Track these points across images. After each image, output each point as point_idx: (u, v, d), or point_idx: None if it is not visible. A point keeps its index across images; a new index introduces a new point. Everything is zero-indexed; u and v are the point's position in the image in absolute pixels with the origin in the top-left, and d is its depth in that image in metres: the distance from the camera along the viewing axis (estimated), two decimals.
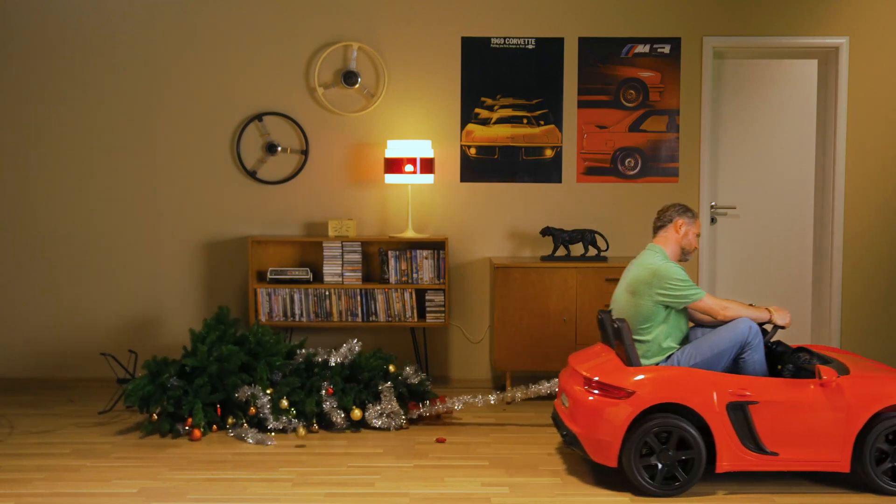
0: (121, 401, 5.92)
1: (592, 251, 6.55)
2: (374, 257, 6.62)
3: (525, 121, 6.70)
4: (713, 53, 6.71)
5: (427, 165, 6.39)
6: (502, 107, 6.69)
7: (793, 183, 6.96)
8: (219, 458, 5.07)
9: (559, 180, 6.72)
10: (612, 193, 6.74)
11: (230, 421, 5.51)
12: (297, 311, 6.44)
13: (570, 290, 6.25)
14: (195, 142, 6.67)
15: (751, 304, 5.01)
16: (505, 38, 6.67)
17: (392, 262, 6.48)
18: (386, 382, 5.67)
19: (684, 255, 5.05)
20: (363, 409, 5.62)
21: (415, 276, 6.50)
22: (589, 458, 4.66)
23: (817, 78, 6.87)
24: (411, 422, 5.70)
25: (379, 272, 6.57)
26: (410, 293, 6.46)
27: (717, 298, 4.87)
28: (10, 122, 6.64)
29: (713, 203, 6.91)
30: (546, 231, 6.42)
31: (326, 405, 5.55)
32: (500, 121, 6.70)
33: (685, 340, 4.92)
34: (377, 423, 5.58)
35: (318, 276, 6.58)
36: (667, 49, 6.68)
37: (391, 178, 6.42)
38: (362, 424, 5.61)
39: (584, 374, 4.69)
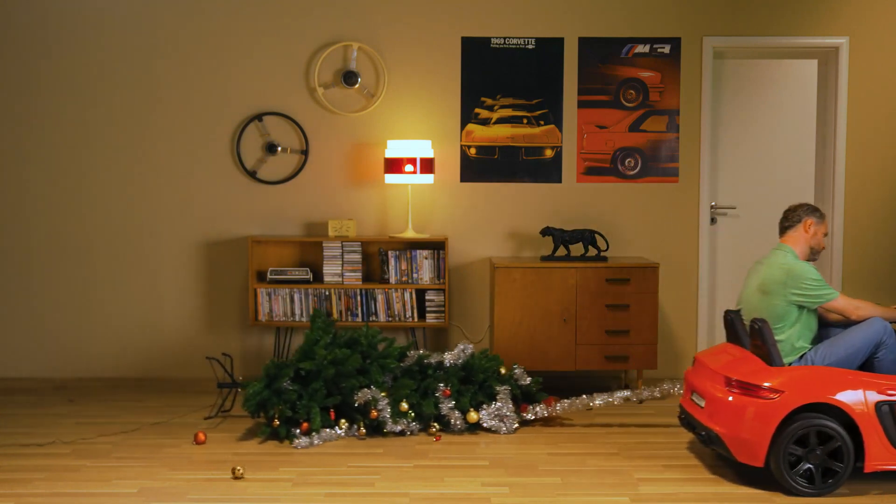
0: (224, 405, 5.87)
1: (592, 251, 6.55)
2: (374, 257, 6.62)
3: (525, 121, 6.70)
4: (713, 53, 6.71)
5: (427, 165, 6.39)
6: (502, 107, 6.69)
7: (793, 183, 6.96)
8: (219, 458, 5.07)
9: (559, 180, 6.72)
10: (612, 193, 6.74)
11: (342, 424, 5.42)
12: (297, 311, 6.44)
13: (570, 290, 6.25)
14: (195, 142, 6.67)
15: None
16: (505, 38, 6.67)
17: (392, 262, 6.48)
18: (500, 384, 5.64)
19: (813, 255, 5.06)
20: (478, 410, 5.57)
21: (415, 276, 6.50)
22: (732, 457, 4.65)
23: (817, 78, 6.87)
24: (523, 423, 5.67)
25: (379, 272, 6.57)
26: (410, 293, 6.45)
27: (850, 298, 4.90)
28: (9, 122, 6.64)
29: (713, 203, 6.91)
30: (546, 231, 6.42)
31: (444, 407, 5.52)
32: (500, 121, 6.70)
33: (816, 340, 4.94)
34: (491, 424, 5.54)
35: (318, 276, 6.58)
36: (667, 49, 6.68)
37: (391, 178, 6.42)
38: (476, 426, 5.57)
39: (726, 374, 4.70)
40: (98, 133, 6.66)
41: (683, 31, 6.68)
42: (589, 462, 5.04)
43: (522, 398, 5.74)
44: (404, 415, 5.46)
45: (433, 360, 5.73)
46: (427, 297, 6.49)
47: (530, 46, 6.67)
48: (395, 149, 6.39)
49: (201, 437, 5.32)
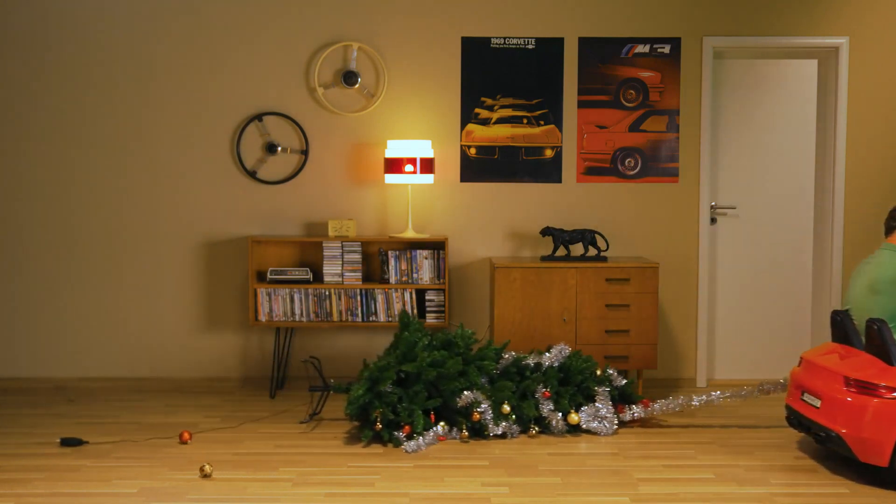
0: (317, 408, 5.85)
1: (592, 251, 6.56)
2: (374, 257, 6.62)
3: (525, 121, 6.70)
4: (713, 53, 6.71)
5: (427, 165, 6.39)
6: (502, 107, 6.69)
7: (793, 183, 6.96)
8: (219, 458, 5.07)
9: (559, 180, 6.72)
10: (612, 193, 6.74)
11: (443, 426, 5.40)
12: (297, 311, 6.44)
13: (570, 290, 6.25)
14: (195, 142, 6.67)
15: None
16: (505, 38, 6.67)
17: (392, 262, 6.48)
18: (599, 385, 5.64)
19: None
20: (577, 412, 5.57)
21: (415, 276, 6.50)
22: (854, 457, 4.64)
23: (817, 78, 6.87)
24: (621, 424, 5.66)
25: (379, 272, 6.57)
26: (410, 293, 6.45)
27: None
28: (8, 122, 6.64)
29: (713, 203, 6.91)
30: (546, 231, 6.42)
31: (544, 409, 5.51)
32: (500, 121, 6.70)
33: None
34: (591, 426, 5.53)
35: (318, 276, 6.58)
36: (667, 49, 6.68)
37: (391, 178, 6.42)
38: (575, 428, 5.56)
39: (845, 374, 4.70)
40: (98, 133, 6.65)
41: (683, 31, 6.68)
42: (589, 462, 5.04)
43: (618, 399, 5.73)
44: (506, 417, 5.43)
45: (530, 361, 5.71)
46: (427, 297, 6.49)
47: (530, 46, 6.67)
48: (395, 149, 6.39)
49: (186, 436, 5.34)
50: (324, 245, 6.47)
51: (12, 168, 6.66)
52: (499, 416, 5.44)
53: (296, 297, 6.44)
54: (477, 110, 6.69)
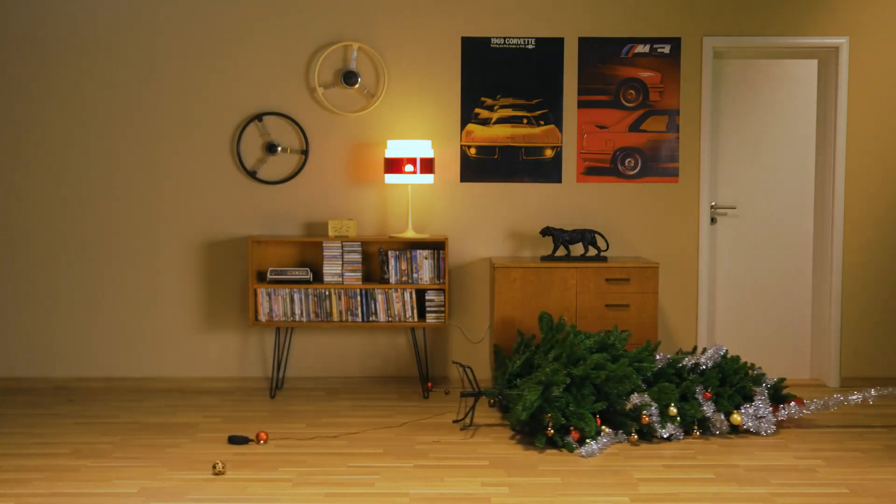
0: (472, 411, 5.79)
1: (592, 251, 6.55)
2: (374, 257, 6.62)
3: (525, 121, 6.70)
4: (713, 53, 6.71)
5: (427, 165, 6.39)
6: (502, 107, 6.69)
7: (793, 183, 6.96)
8: (219, 458, 5.07)
9: (559, 180, 6.72)
10: (612, 193, 6.74)
11: (605, 430, 5.34)
12: (297, 311, 6.44)
13: (570, 290, 6.25)
14: (195, 142, 6.67)
15: None
16: (505, 38, 6.67)
17: (392, 262, 6.47)
18: (757, 385, 5.62)
19: None
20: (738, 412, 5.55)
21: (415, 276, 6.50)
22: None
23: (817, 78, 6.87)
24: (777, 424, 5.63)
25: (379, 272, 6.57)
26: (410, 293, 6.45)
27: None
28: (7, 122, 6.64)
29: (713, 203, 6.91)
30: (546, 231, 6.42)
31: (707, 410, 5.48)
32: (500, 121, 6.70)
33: None
34: (750, 426, 5.51)
35: (318, 276, 6.58)
36: (667, 49, 6.68)
37: (391, 178, 6.42)
38: (735, 429, 5.54)
39: None
40: (98, 133, 6.65)
41: (683, 31, 6.68)
42: (589, 462, 5.04)
43: (772, 399, 5.71)
44: (672, 419, 5.40)
45: (687, 362, 5.69)
46: (427, 297, 6.49)
47: (530, 46, 6.67)
48: (395, 149, 6.39)
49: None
50: (324, 245, 6.47)
51: (12, 168, 6.66)
52: (665, 419, 5.41)
53: (296, 297, 6.44)
54: (477, 110, 6.69)
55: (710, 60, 6.67)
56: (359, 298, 6.45)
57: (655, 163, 6.72)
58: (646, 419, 5.34)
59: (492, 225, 6.73)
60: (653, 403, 5.40)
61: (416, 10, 6.64)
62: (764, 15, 6.66)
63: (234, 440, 5.32)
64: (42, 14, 6.59)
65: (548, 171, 6.72)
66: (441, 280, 6.49)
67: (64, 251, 6.69)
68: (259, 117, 6.65)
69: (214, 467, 4.78)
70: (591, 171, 6.73)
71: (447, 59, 6.67)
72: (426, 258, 6.49)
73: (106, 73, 6.63)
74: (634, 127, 6.70)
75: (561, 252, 6.67)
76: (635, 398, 5.39)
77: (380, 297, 6.45)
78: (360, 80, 6.65)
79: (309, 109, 6.67)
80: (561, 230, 6.42)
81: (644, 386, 5.56)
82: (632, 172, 6.72)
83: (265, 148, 6.68)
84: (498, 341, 6.24)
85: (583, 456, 5.12)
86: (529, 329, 6.22)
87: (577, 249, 6.63)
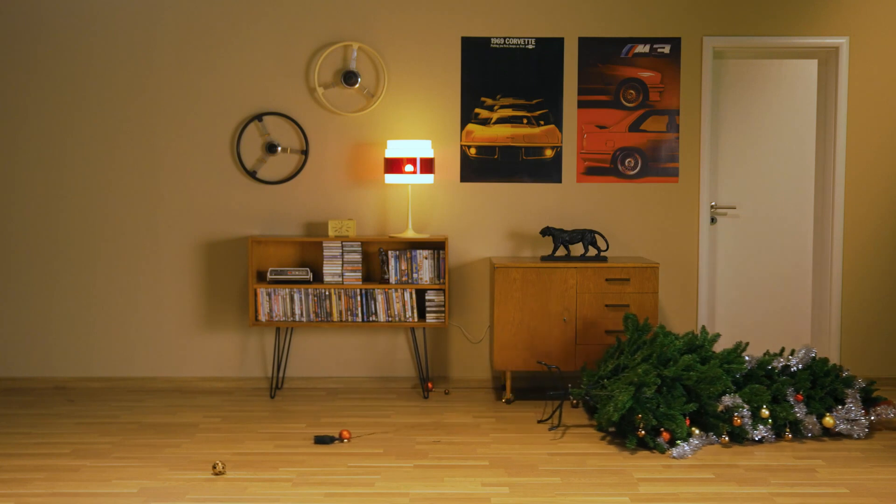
0: (556, 413, 5.80)
1: (592, 251, 6.55)
2: (374, 257, 6.62)
3: (525, 121, 6.70)
4: (713, 53, 6.71)
5: (427, 165, 6.39)
6: (502, 107, 6.69)
7: (793, 183, 6.96)
8: (219, 458, 5.07)
9: (559, 180, 6.72)
10: (612, 193, 6.74)
11: (696, 432, 5.31)
12: (297, 311, 6.44)
13: (570, 290, 6.25)
14: (195, 142, 6.67)
15: None
16: (505, 38, 6.67)
17: (392, 262, 6.47)
18: (848, 387, 5.58)
19: None
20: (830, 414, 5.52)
21: (415, 276, 6.49)
22: None
23: (817, 78, 6.87)
24: (870, 426, 5.59)
25: (379, 272, 6.57)
26: (410, 293, 6.45)
27: None
28: (8, 122, 6.64)
29: (713, 203, 6.91)
30: (546, 231, 6.42)
31: (799, 412, 5.44)
32: (500, 121, 6.70)
33: None
34: (842, 428, 5.46)
35: (318, 276, 6.58)
36: (667, 49, 6.68)
37: (391, 178, 6.42)
38: (827, 431, 5.50)
39: None
40: (98, 132, 6.65)
41: (683, 31, 6.68)
42: (589, 462, 5.04)
43: (862, 402, 5.66)
44: (764, 421, 5.37)
45: (777, 363, 5.66)
46: (427, 297, 6.49)
47: (530, 46, 6.67)
48: (395, 149, 6.39)
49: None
50: (324, 245, 6.47)
51: (11, 168, 6.66)
52: (756, 421, 5.37)
53: (296, 297, 6.44)
54: (477, 110, 6.69)
55: (710, 60, 6.67)
56: (359, 298, 6.45)
57: (655, 163, 6.72)
58: (738, 421, 5.30)
59: (492, 225, 6.73)
60: (745, 405, 5.36)
61: (416, 10, 6.64)
62: (764, 15, 6.67)
63: (321, 440, 5.33)
64: (40, 14, 6.59)
65: (548, 171, 6.72)
66: (441, 280, 6.48)
67: (64, 251, 6.69)
68: (259, 117, 6.65)
69: (214, 467, 4.78)
70: (591, 171, 6.73)
71: (447, 58, 6.67)
72: (426, 258, 6.49)
73: (105, 72, 6.63)
74: (634, 127, 6.70)
75: (561, 252, 6.67)
76: (727, 400, 5.35)
77: (380, 297, 6.45)
78: (360, 80, 6.65)
79: (309, 109, 6.67)
80: (561, 230, 6.42)
81: (734, 387, 5.52)
82: (632, 172, 6.72)
83: (265, 148, 6.68)
84: (498, 341, 6.23)
85: (674, 457, 5.10)
86: (529, 329, 6.21)
87: (577, 249, 6.63)
